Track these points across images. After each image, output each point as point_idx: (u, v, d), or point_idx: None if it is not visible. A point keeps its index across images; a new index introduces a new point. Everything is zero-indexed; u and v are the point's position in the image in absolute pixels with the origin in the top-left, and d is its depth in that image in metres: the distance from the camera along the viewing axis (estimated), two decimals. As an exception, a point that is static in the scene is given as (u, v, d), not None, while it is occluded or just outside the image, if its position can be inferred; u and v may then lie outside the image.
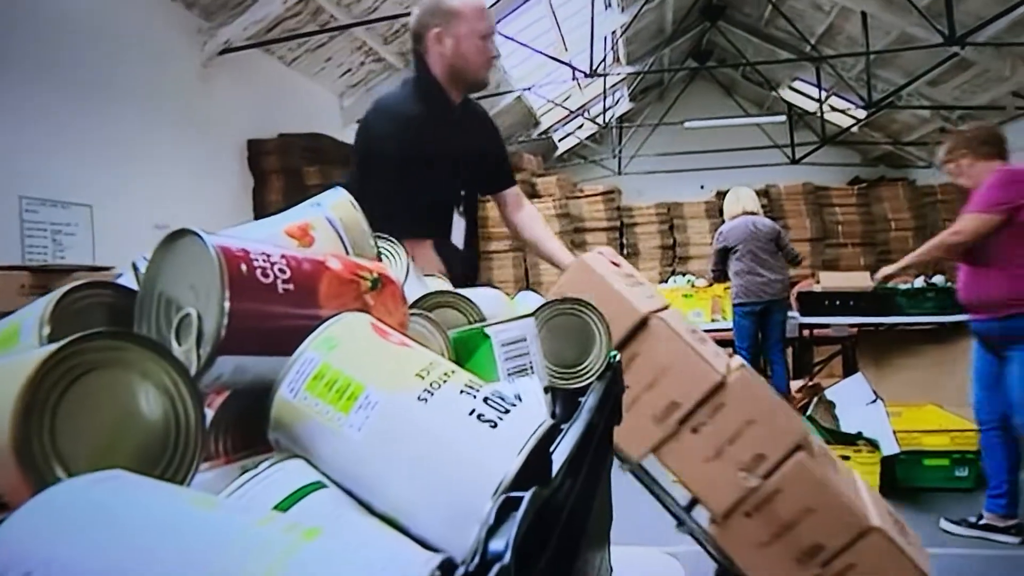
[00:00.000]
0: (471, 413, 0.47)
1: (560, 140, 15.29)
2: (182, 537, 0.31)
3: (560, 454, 0.58)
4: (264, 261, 0.52)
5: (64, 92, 4.53)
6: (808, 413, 4.01)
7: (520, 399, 0.65)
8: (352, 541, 0.35)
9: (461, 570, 0.33)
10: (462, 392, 0.49)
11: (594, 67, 8.85)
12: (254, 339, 0.51)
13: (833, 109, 12.39)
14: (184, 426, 0.46)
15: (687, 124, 12.42)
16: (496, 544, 0.37)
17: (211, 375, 0.49)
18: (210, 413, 0.60)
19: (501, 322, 0.80)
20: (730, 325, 5.31)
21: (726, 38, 12.77)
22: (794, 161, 12.97)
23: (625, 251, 8.32)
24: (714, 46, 14.39)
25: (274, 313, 0.52)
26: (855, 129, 12.61)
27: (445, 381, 0.49)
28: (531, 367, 0.80)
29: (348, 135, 8.18)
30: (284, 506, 0.42)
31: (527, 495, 0.42)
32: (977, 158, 2.75)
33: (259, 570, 0.29)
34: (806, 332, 5.53)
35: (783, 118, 12.88)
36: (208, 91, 5.91)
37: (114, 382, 0.44)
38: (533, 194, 8.71)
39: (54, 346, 0.40)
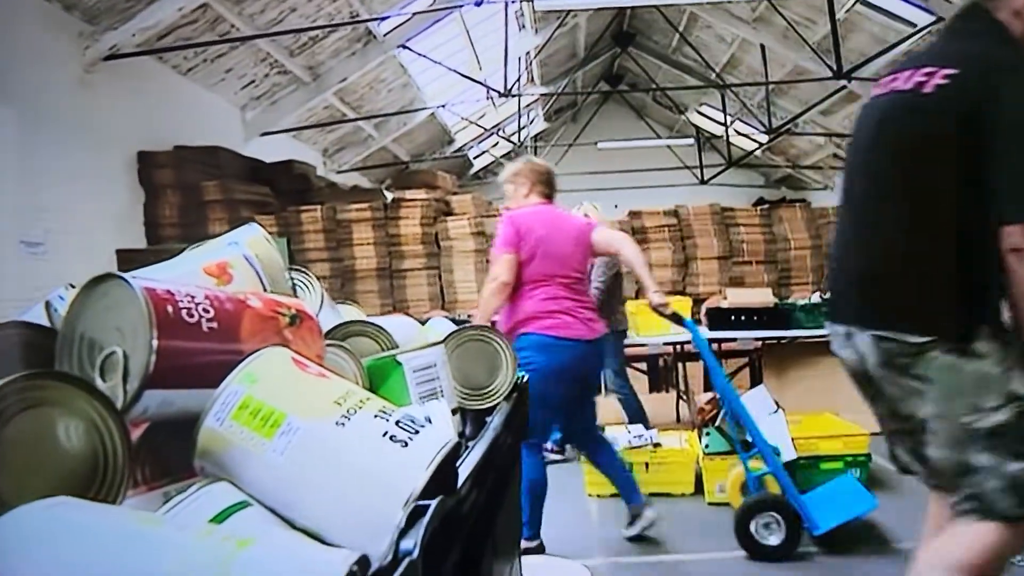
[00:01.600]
0: (384, 435, 0.55)
1: (475, 158, 15.53)
2: (136, 550, 0.37)
3: (466, 468, 0.66)
4: (189, 302, 0.58)
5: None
6: (716, 424, 4.27)
7: (430, 421, 0.73)
8: (281, 548, 0.42)
9: (376, 566, 0.41)
10: (376, 416, 0.56)
11: (508, 87, 9.09)
12: (180, 374, 0.56)
13: (738, 133, 13.22)
14: (112, 457, 0.52)
15: (600, 145, 12.92)
16: (406, 544, 0.45)
17: (138, 409, 0.55)
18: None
19: (412, 349, 0.87)
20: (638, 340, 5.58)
21: (637, 63, 13.41)
22: (702, 182, 13.73)
23: (540, 271, 8.54)
24: (625, 71, 15.05)
25: (199, 350, 0.58)
26: (758, 153, 13.48)
27: (360, 407, 0.56)
28: (441, 391, 0.88)
29: (251, 148, 8.01)
30: (215, 523, 0.49)
31: (433, 503, 0.50)
32: (530, 191, 3.08)
33: (207, 574, 0.35)
34: (715, 346, 5.87)
35: (691, 140, 13.63)
36: (92, 99, 5.66)
37: (46, 418, 0.49)
38: (448, 212, 8.79)
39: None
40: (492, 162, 16.07)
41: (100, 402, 0.51)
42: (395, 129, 12.07)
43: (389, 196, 8.35)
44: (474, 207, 9.09)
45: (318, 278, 1.05)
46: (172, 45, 6.17)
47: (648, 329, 5.50)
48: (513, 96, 10.00)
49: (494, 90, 9.33)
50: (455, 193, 9.71)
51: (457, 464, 0.63)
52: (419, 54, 9.00)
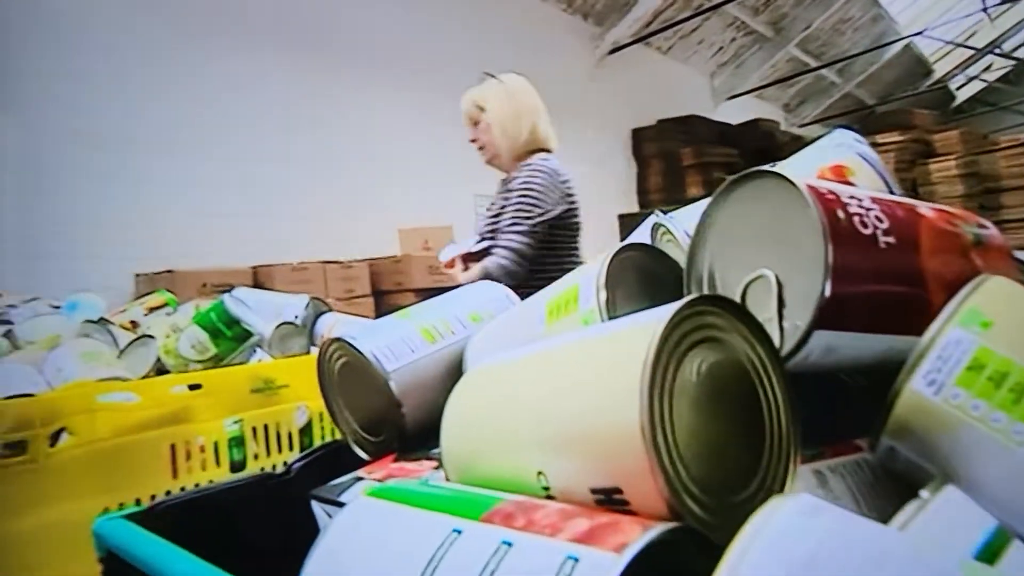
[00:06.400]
0: None
1: (958, 88, 12.18)
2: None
3: None
4: (858, 206, 0.36)
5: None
6: None
7: None
8: None
9: None
10: None
11: (1019, -10, 6.70)
12: (854, 309, 0.35)
13: None
14: (775, 418, 0.33)
15: None
16: None
17: (800, 355, 0.35)
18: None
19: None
20: None
21: None
22: None
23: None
24: None
25: (877, 274, 0.35)
26: None
27: None
28: None
29: (719, 114, 7.76)
30: (986, 559, 0.26)
31: None
32: None
33: None
34: None
35: None
36: (598, 89, 6.18)
37: (709, 358, 0.33)
38: (928, 153, 7.06)
39: (667, 316, 0.30)
40: (983, 89, 12.35)
41: (761, 342, 0.33)
42: (860, 71, 10.25)
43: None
44: (962, 144, 7.10)
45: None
46: (657, 29, 6.29)
47: None
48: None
49: (997, -2, 6.99)
50: (936, 131, 7.70)
51: None
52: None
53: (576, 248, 1.81)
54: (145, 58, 3.54)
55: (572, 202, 1.78)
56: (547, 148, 1.81)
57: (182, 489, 0.76)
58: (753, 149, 7.20)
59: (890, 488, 0.35)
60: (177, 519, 0.40)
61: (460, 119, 1.93)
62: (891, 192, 0.50)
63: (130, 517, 0.39)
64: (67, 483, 0.73)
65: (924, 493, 0.29)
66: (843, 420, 0.43)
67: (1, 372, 0.94)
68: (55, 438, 0.74)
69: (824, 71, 9.43)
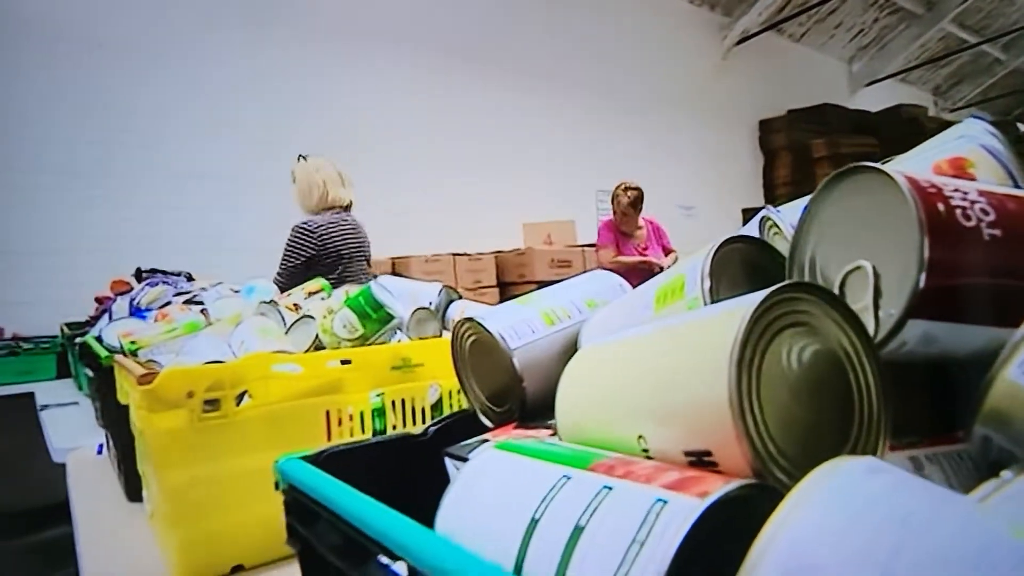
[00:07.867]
0: None
1: None
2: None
3: None
4: (961, 199, 0.36)
5: (613, 104, 5.15)
6: None
7: None
8: None
9: None
10: None
11: None
12: (951, 300, 0.35)
13: None
14: (866, 404, 0.35)
15: None
16: None
17: (894, 343, 0.36)
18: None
19: None
20: None
21: None
22: None
23: None
24: None
25: (978, 267, 0.35)
26: None
27: None
28: None
29: (856, 101, 7.12)
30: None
31: None
32: None
33: None
34: None
35: None
36: (724, 80, 5.92)
37: (801, 341, 0.35)
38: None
39: (758, 299, 0.32)
40: None
41: (853, 328, 0.34)
42: (1033, 45, 8.91)
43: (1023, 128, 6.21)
44: None
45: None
46: (790, 14, 5.90)
47: None
48: None
49: None
50: None
51: None
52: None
53: (341, 276, 2.31)
54: (300, 72, 3.92)
55: (325, 245, 2.29)
56: (338, 206, 2.39)
57: (339, 447, 0.87)
58: (894, 137, 6.53)
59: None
60: (337, 464, 0.48)
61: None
62: (1016, 186, 0.48)
63: (303, 459, 0.47)
64: (248, 437, 0.86)
65: (1007, 474, 0.29)
66: (954, 413, 0.42)
67: (200, 343, 1.12)
68: (240, 399, 0.88)
69: (986, 47, 8.31)
